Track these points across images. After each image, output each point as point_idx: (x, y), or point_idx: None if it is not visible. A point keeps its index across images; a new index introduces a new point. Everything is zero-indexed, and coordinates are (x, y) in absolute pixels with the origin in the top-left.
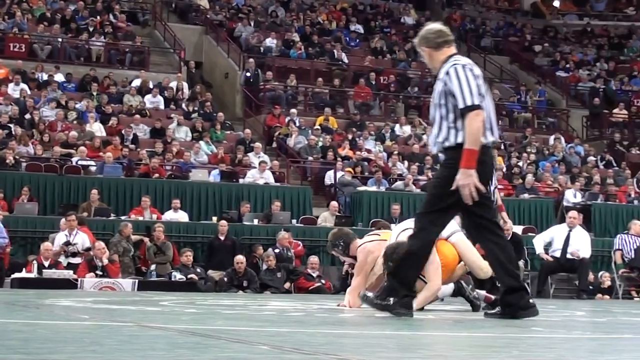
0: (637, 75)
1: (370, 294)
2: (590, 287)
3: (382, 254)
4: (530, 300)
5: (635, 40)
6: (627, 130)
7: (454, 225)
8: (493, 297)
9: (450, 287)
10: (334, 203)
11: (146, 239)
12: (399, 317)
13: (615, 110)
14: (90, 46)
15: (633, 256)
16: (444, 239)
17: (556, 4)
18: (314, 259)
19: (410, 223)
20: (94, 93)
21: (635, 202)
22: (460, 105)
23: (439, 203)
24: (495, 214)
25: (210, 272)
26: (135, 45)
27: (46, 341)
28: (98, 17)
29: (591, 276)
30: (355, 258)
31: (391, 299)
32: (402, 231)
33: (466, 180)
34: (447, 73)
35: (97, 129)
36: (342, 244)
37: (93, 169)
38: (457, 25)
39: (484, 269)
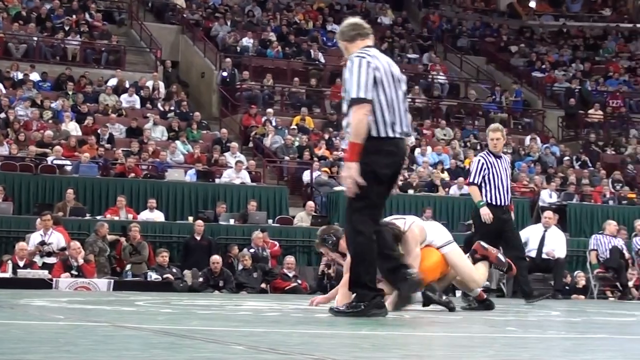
0: (613, 76)
1: (341, 307)
2: (567, 288)
3: None
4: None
5: (610, 41)
6: (603, 130)
7: (448, 235)
8: (485, 295)
9: (418, 295)
10: (310, 203)
11: (122, 239)
12: (374, 318)
13: (591, 111)
14: (66, 45)
15: (608, 256)
16: (435, 247)
17: (532, 4)
18: (290, 259)
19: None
20: (70, 92)
21: (611, 202)
22: (347, 97)
23: (358, 202)
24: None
25: (186, 272)
26: (111, 45)
27: (20, 341)
28: (74, 16)
29: (579, 277)
30: (343, 255)
31: (362, 304)
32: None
33: (347, 172)
34: (346, 65)
35: (72, 128)
36: (333, 238)
37: (68, 168)
38: (435, 26)
39: (477, 281)
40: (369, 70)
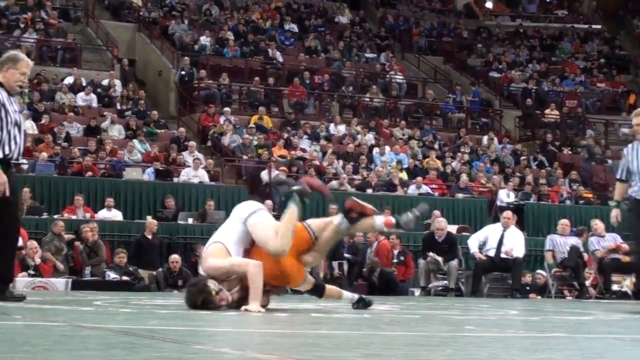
0: (569, 77)
1: None
2: (527, 288)
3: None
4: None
5: (566, 41)
6: (559, 130)
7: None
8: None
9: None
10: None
11: (77, 243)
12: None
13: (547, 111)
14: (22, 43)
15: (566, 255)
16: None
17: (489, 5)
18: None
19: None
20: (25, 90)
21: (567, 201)
22: None
23: None
24: None
25: (141, 271)
26: (67, 42)
27: None
28: (29, 14)
29: (529, 277)
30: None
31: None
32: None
33: None
34: None
35: (28, 126)
36: (209, 300)
37: (25, 167)
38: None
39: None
40: None
